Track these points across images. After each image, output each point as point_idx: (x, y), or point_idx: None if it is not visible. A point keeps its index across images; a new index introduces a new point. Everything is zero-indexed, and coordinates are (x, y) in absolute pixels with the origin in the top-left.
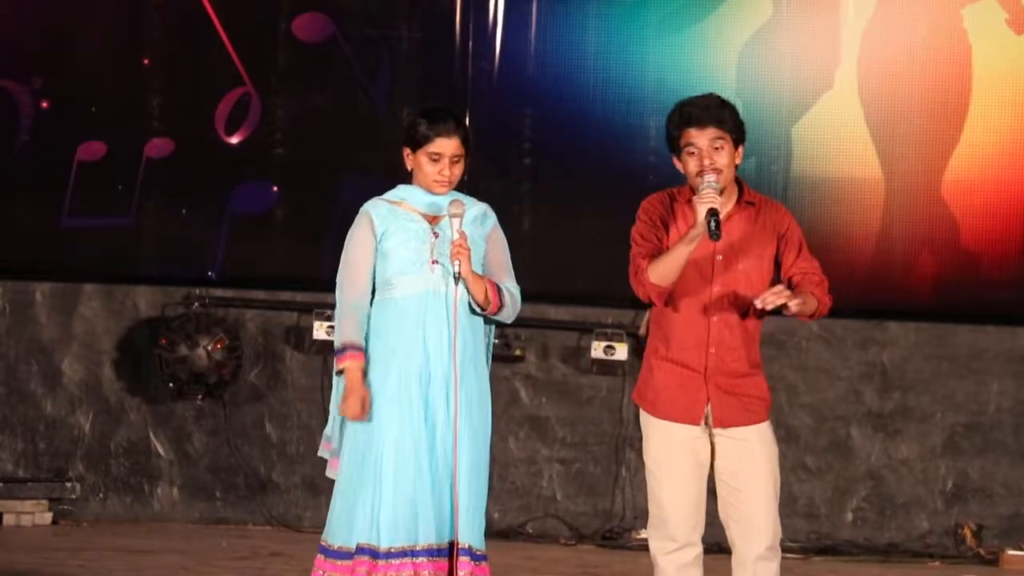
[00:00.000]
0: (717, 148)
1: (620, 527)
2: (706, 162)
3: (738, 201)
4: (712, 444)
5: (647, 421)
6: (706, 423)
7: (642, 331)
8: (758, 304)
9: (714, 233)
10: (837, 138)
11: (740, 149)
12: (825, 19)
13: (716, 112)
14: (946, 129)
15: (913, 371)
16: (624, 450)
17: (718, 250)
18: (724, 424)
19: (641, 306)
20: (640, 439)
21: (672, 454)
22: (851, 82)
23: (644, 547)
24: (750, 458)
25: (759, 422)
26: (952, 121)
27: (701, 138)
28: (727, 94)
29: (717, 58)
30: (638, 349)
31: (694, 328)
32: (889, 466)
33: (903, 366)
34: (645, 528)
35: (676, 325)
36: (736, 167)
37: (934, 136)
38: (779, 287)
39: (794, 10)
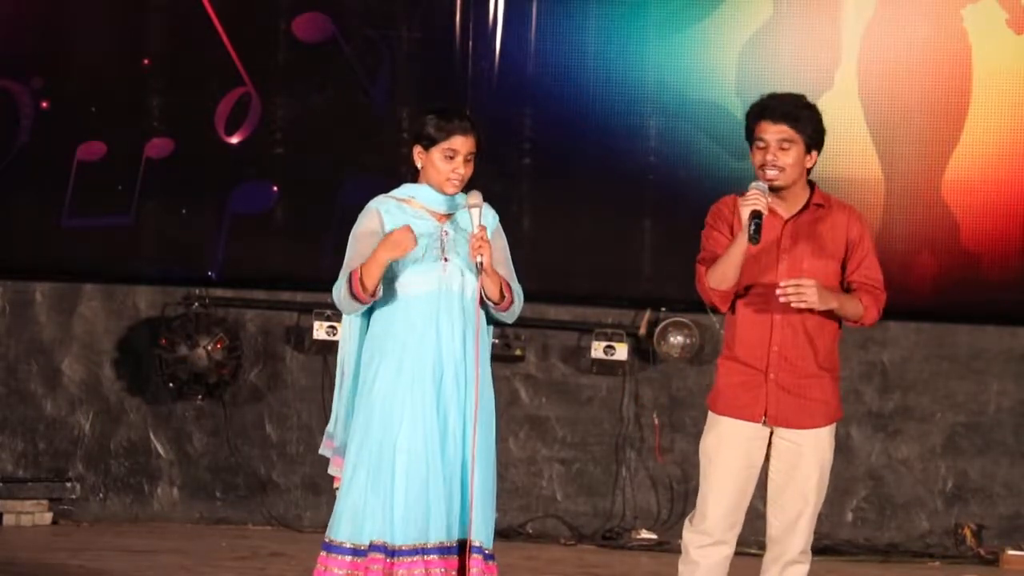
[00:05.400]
0: (784, 148)
1: (620, 527)
2: (769, 157)
3: (807, 203)
4: (770, 444)
5: (709, 417)
6: (766, 423)
7: (642, 331)
8: (778, 293)
9: (752, 237)
10: (837, 138)
11: (814, 154)
12: (825, 19)
13: (794, 111)
14: (946, 129)
15: (913, 371)
16: (624, 450)
17: (783, 250)
18: (779, 423)
19: (640, 306)
20: (640, 439)
21: (724, 451)
22: (851, 82)
23: (644, 547)
24: (800, 463)
25: (817, 426)
26: (952, 121)
27: (771, 133)
28: (727, 94)
29: (717, 58)
30: (638, 349)
31: (758, 327)
32: (889, 466)
33: (903, 366)
34: (645, 528)
35: (741, 324)
36: (808, 171)
37: (934, 136)
38: (805, 282)
39: (794, 10)
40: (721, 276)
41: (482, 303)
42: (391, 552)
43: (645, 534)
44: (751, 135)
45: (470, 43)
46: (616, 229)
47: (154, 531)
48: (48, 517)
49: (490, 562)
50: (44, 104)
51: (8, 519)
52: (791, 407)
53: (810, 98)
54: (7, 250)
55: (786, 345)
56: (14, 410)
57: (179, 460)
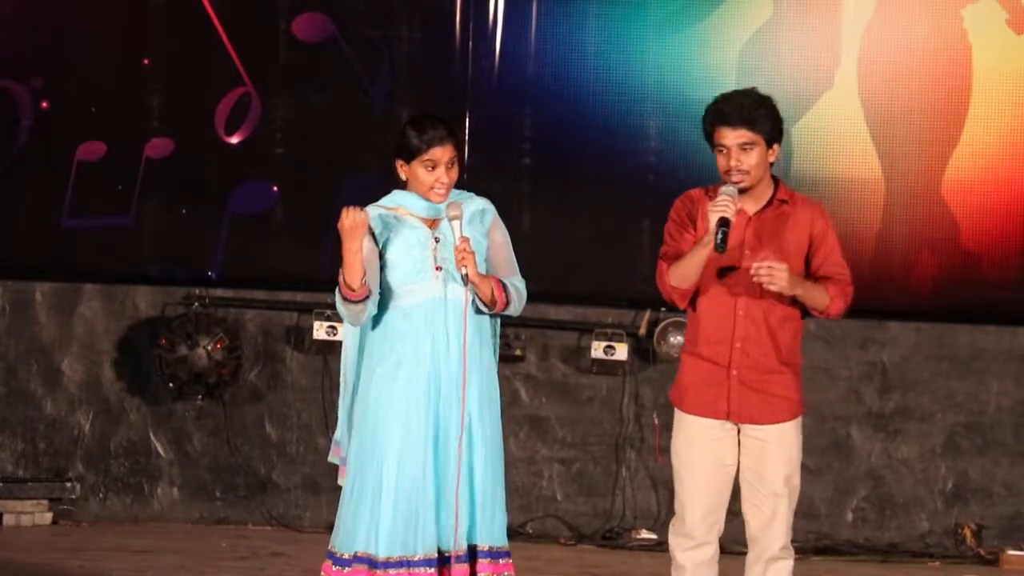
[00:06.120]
0: (746, 149)
1: (620, 527)
2: (733, 163)
3: (771, 199)
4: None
5: (676, 416)
6: (730, 419)
7: (642, 331)
8: (752, 272)
9: (719, 245)
10: (837, 138)
11: (775, 147)
12: (825, 19)
13: (749, 112)
14: (946, 129)
15: (913, 371)
16: (624, 450)
17: (747, 246)
18: (742, 419)
19: (640, 306)
20: (640, 439)
21: (695, 452)
22: (851, 82)
23: (644, 547)
24: (768, 459)
25: (779, 422)
26: (952, 121)
27: (731, 138)
28: None
29: (717, 58)
30: (638, 349)
31: (721, 323)
32: (889, 466)
33: (903, 366)
34: (645, 528)
35: (704, 320)
36: (771, 165)
37: (934, 136)
38: (777, 265)
39: (794, 10)
40: (683, 275)
41: (479, 308)
42: (375, 564)
43: (645, 534)
44: (710, 140)
45: (470, 43)
46: (616, 229)
47: (154, 531)
48: (48, 517)
49: (502, 560)
50: (44, 104)
51: (8, 519)
52: (754, 403)
53: (810, 98)
54: (7, 250)
55: (748, 341)
56: (14, 410)
57: (179, 460)
